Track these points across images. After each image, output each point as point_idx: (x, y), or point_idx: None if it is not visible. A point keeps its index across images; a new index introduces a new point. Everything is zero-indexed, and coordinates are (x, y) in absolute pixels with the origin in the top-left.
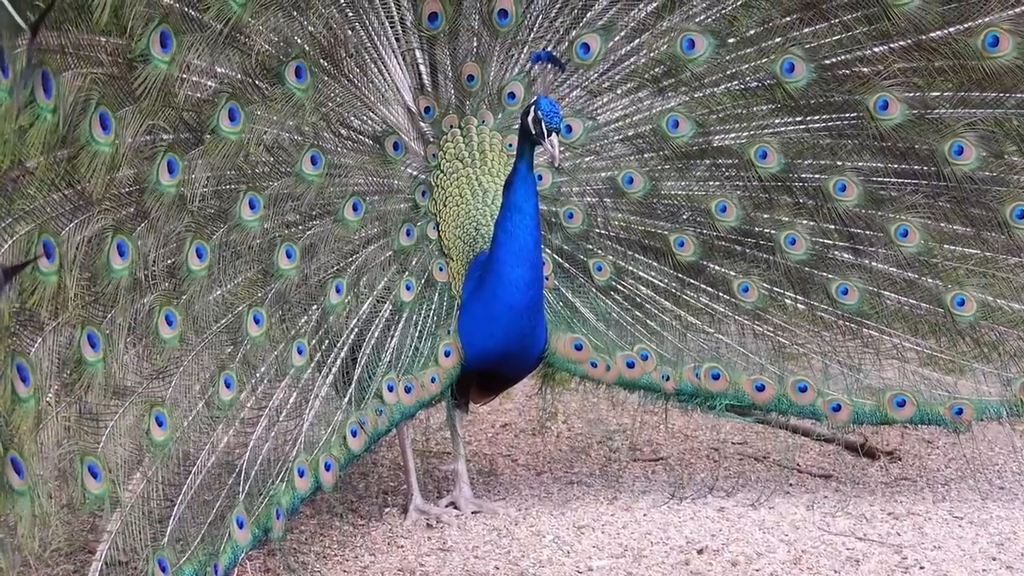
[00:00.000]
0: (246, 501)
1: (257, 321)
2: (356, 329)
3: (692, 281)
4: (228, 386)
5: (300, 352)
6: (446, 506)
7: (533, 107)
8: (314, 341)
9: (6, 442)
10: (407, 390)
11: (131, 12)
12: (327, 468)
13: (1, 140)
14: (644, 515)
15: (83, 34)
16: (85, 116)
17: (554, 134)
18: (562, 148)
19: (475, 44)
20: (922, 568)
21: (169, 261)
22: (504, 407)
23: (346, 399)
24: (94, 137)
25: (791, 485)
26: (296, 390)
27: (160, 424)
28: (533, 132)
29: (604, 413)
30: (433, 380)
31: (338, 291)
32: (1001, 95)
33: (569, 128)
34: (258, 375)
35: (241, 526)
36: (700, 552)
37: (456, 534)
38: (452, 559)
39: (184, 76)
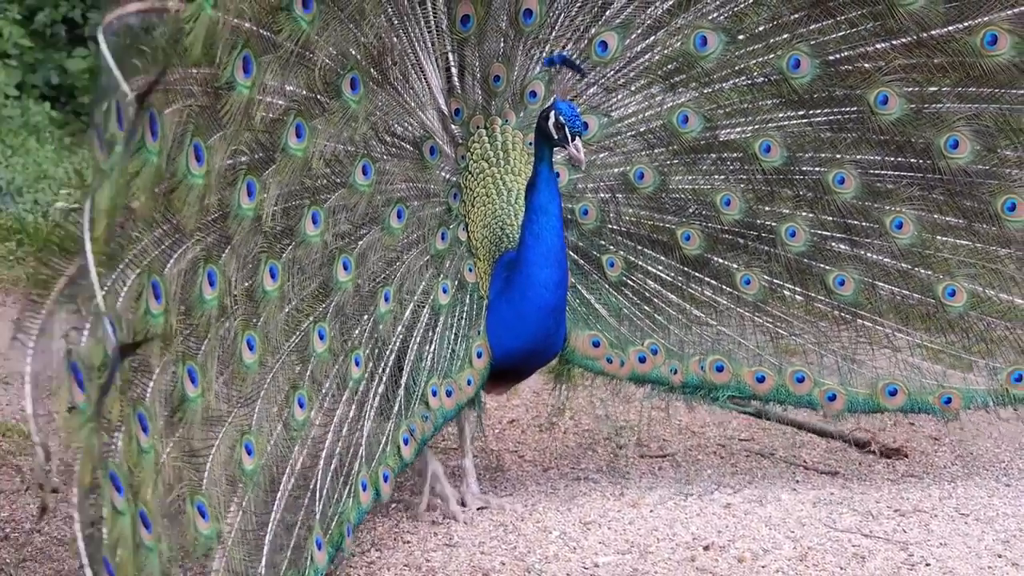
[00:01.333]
0: (321, 521)
1: (321, 336)
2: (401, 336)
3: (697, 274)
4: (301, 405)
5: (357, 364)
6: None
7: (553, 112)
8: (367, 351)
9: (134, 497)
10: (448, 394)
11: (220, 40)
12: (385, 479)
13: (113, 192)
14: (651, 511)
15: (179, 68)
16: (182, 150)
17: (578, 138)
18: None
19: (502, 45)
20: (928, 565)
21: (245, 284)
22: (511, 403)
23: (396, 408)
24: (190, 170)
25: (797, 482)
26: (354, 403)
27: (249, 452)
28: (556, 136)
29: (611, 409)
30: (469, 382)
31: (386, 299)
32: (997, 91)
33: (585, 125)
34: (323, 391)
35: (319, 547)
36: (706, 548)
37: (462, 530)
38: (458, 555)
39: (260, 98)
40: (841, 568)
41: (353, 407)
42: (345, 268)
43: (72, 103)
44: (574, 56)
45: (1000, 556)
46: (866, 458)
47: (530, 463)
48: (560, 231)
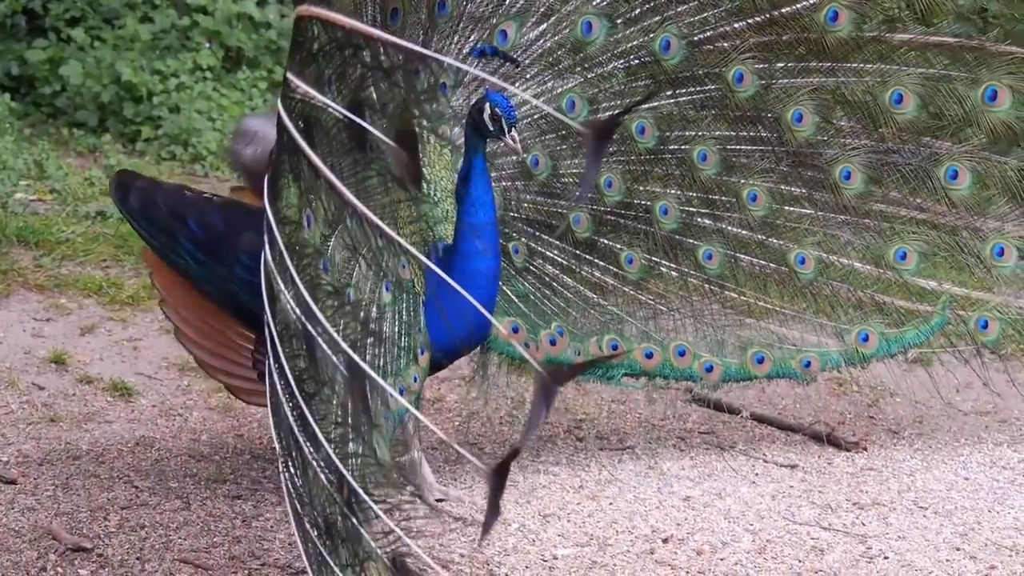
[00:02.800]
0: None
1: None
2: (361, 336)
3: (587, 256)
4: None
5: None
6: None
7: (488, 104)
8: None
9: None
10: (401, 392)
11: None
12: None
13: None
14: (610, 504)
15: None
16: None
17: (514, 129)
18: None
19: (421, 37)
20: (886, 558)
21: None
22: (471, 396)
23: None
24: None
25: (757, 475)
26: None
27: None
28: (491, 129)
29: (571, 402)
30: (415, 379)
31: (349, 300)
32: (835, 65)
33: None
34: (323, 393)
35: None
36: (665, 541)
37: (420, 522)
38: (417, 547)
39: None
40: (799, 561)
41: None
42: (325, 270)
43: (32, 94)
44: (480, 47)
45: (958, 549)
46: (825, 451)
47: (489, 456)
48: (495, 221)
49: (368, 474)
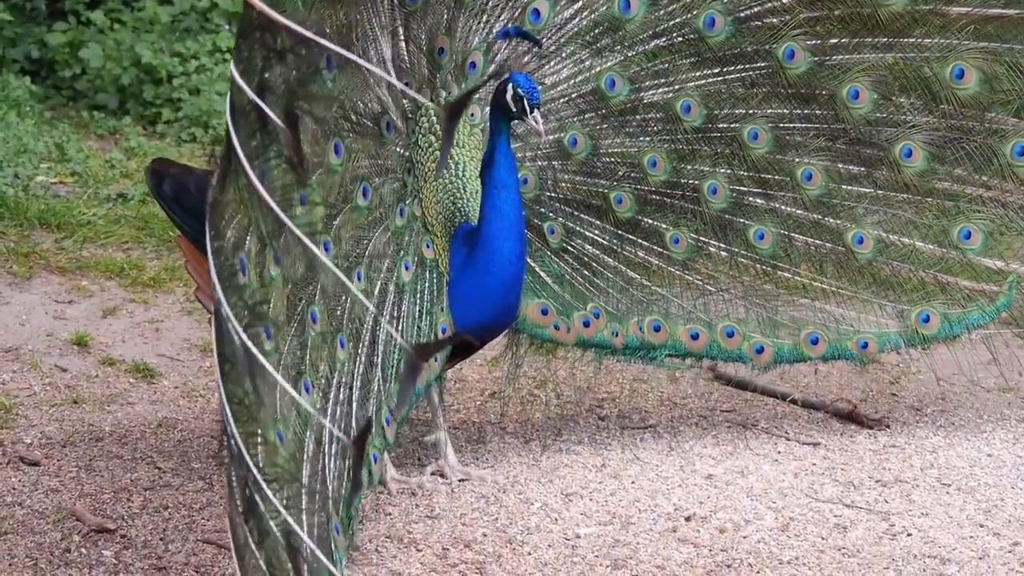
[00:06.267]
0: (335, 505)
1: (314, 319)
2: (373, 315)
3: (630, 236)
4: (307, 391)
5: (342, 345)
6: (431, 475)
7: (510, 85)
8: (348, 332)
9: None
10: None
11: None
12: (375, 460)
13: None
14: (632, 483)
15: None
16: None
17: (536, 110)
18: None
19: (445, 16)
20: (909, 535)
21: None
22: (493, 375)
23: (375, 388)
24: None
25: (779, 453)
26: (343, 386)
27: (282, 441)
28: (514, 110)
29: (593, 381)
30: (436, 359)
31: (359, 279)
32: (892, 40)
33: None
34: (320, 375)
35: (338, 532)
36: (688, 519)
37: (444, 502)
38: (440, 526)
39: None
40: (823, 538)
41: (343, 391)
42: (326, 249)
43: (52, 77)
44: (504, 28)
45: (982, 526)
46: (848, 429)
47: (512, 435)
48: (520, 204)
49: (260, 453)
